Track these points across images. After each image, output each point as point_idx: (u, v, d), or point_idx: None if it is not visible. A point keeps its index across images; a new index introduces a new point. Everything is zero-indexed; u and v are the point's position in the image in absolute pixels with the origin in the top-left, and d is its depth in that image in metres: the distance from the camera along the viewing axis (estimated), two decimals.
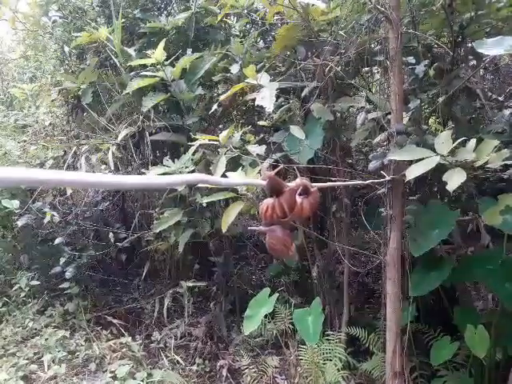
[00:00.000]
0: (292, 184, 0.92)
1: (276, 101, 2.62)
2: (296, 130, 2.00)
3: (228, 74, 2.88)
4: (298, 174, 0.96)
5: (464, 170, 1.57)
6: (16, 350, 2.63)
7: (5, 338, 2.73)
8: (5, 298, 3.17)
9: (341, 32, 2.24)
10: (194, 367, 2.65)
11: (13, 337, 2.75)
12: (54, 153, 2.91)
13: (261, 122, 2.66)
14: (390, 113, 2.01)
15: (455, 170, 1.59)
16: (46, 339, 2.63)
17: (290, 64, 2.74)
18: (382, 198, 1.88)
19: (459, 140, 1.67)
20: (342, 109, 2.47)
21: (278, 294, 2.05)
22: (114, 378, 2.38)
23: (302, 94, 2.45)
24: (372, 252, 3.61)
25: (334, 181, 2.25)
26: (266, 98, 2.14)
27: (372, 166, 1.82)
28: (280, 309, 2.83)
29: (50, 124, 3.06)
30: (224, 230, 1.76)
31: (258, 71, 2.42)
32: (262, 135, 2.81)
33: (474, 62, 2.46)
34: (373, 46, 2.15)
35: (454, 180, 1.53)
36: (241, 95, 2.96)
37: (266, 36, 3.38)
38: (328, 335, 2.53)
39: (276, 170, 0.90)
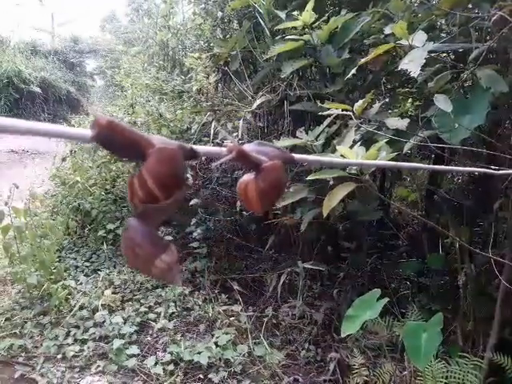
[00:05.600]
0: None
1: (433, 66, 2.15)
2: (442, 101, 1.56)
3: (382, 36, 2.49)
4: (229, 137, 0.50)
5: None
6: (141, 297, 2.91)
7: (135, 284, 3.05)
8: None
9: None
10: (304, 352, 2.50)
11: (144, 284, 3.06)
12: (200, 118, 3.04)
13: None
14: None
15: None
16: (167, 292, 2.84)
17: (462, 22, 2.20)
18: None
19: None
20: None
21: (387, 299, 1.71)
22: (216, 344, 2.42)
23: (469, 58, 1.93)
24: None
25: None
26: (414, 61, 1.74)
27: None
28: (411, 311, 2.49)
29: (200, 90, 3.18)
30: (325, 213, 1.51)
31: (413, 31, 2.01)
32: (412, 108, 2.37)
33: None
34: None
35: None
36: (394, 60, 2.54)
37: None
38: (464, 357, 2.08)
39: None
